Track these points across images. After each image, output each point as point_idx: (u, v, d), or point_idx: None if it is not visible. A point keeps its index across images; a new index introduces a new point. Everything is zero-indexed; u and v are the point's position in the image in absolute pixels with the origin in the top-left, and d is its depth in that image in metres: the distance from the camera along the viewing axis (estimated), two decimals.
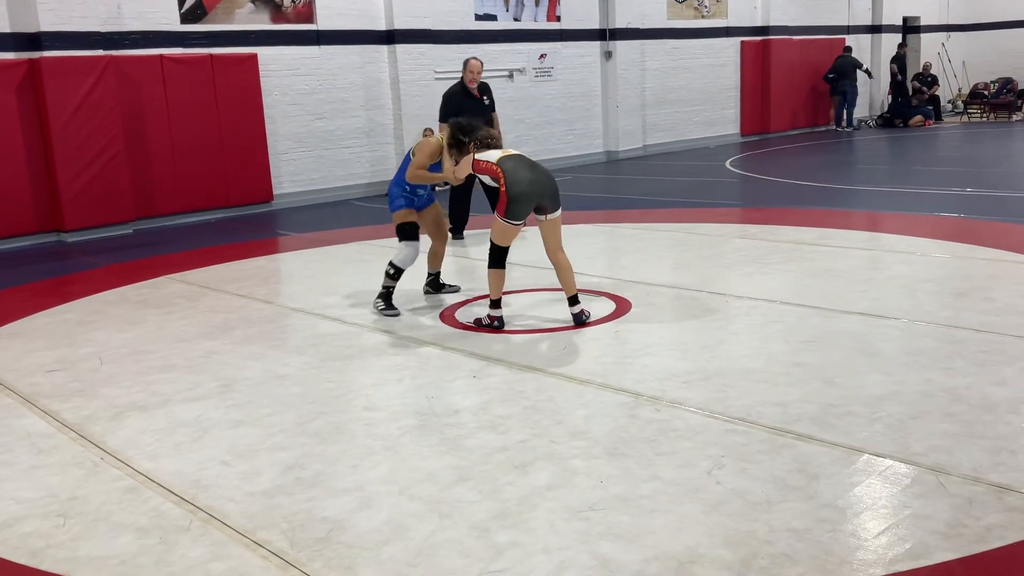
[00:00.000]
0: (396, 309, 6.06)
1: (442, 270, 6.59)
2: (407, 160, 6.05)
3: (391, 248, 8.68)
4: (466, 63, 8.80)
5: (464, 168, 5.65)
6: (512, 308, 6.04)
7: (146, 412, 4.45)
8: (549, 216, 5.54)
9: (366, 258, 8.37)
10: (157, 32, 11.10)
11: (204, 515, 3.29)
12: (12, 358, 5.55)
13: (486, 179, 5.63)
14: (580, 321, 5.53)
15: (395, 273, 6.08)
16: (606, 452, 3.63)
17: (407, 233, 6.11)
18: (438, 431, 3.98)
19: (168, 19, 11.21)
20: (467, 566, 2.83)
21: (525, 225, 5.61)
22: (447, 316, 5.99)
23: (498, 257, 5.55)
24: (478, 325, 5.65)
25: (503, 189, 5.37)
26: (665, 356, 4.87)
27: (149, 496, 3.49)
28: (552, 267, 5.65)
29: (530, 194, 5.39)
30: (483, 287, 6.65)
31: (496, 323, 5.58)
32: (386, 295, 6.11)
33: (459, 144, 5.77)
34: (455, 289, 6.56)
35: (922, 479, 3.24)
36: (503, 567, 2.81)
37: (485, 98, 8.97)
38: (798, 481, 3.28)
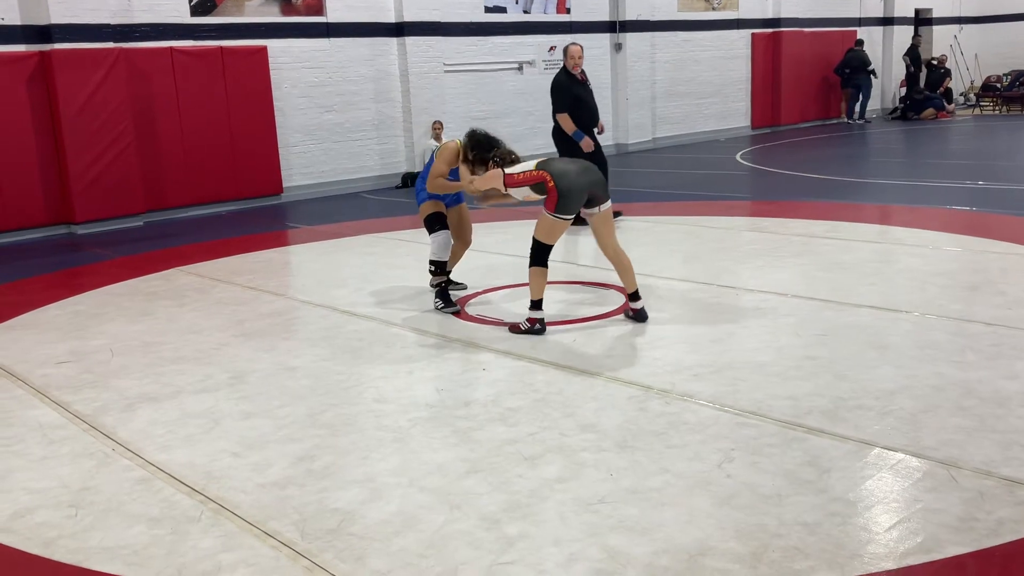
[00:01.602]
0: (455, 304, 5.95)
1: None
2: (432, 160, 5.94)
3: (401, 240, 8.73)
4: (566, 49, 8.49)
5: (488, 183, 5.39)
6: (524, 303, 6.04)
7: (157, 403, 4.47)
8: (602, 207, 5.33)
9: (376, 251, 8.38)
10: (167, 24, 11.11)
11: (215, 506, 3.30)
12: (24, 350, 5.57)
13: (522, 192, 5.28)
14: (643, 317, 5.39)
15: (437, 268, 5.96)
16: (616, 445, 3.63)
17: (435, 223, 5.93)
18: (448, 423, 3.98)
19: (178, 11, 11.23)
20: (477, 558, 2.83)
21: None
22: (442, 304, 5.98)
23: (541, 255, 5.27)
24: (516, 332, 5.32)
25: (551, 184, 5.08)
26: (675, 349, 4.86)
27: (160, 487, 3.50)
28: (608, 264, 5.51)
29: (581, 185, 5.12)
30: (493, 280, 6.66)
31: (537, 326, 5.28)
32: (441, 292, 5.99)
33: (481, 160, 5.58)
34: (462, 287, 6.50)
35: (933, 473, 3.23)
36: (513, 559, 2.82)
37: (590, 83, 8.75)
38: (809, 475, 3.27)
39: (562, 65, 8.57)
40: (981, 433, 3.54)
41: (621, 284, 5.53)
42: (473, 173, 5.64)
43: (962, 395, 3.94)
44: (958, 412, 3.76)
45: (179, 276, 7.60)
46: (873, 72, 19.46)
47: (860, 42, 19.65)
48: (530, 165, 5.29)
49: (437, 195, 5.98)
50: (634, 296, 5.43)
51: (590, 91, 8.58)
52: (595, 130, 8.51)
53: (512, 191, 5.33)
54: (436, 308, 5.97)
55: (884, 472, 3.27)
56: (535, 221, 5.31)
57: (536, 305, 5.33)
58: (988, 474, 3.19)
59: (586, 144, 8.23)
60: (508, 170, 5.33)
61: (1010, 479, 3.14)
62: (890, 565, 2.67)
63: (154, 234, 10.16)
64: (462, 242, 6.31)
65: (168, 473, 3.62)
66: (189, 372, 4.94)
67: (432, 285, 6.07)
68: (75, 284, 7.51)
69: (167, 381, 4.81)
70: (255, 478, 3.52)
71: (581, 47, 8.59)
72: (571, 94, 8.33)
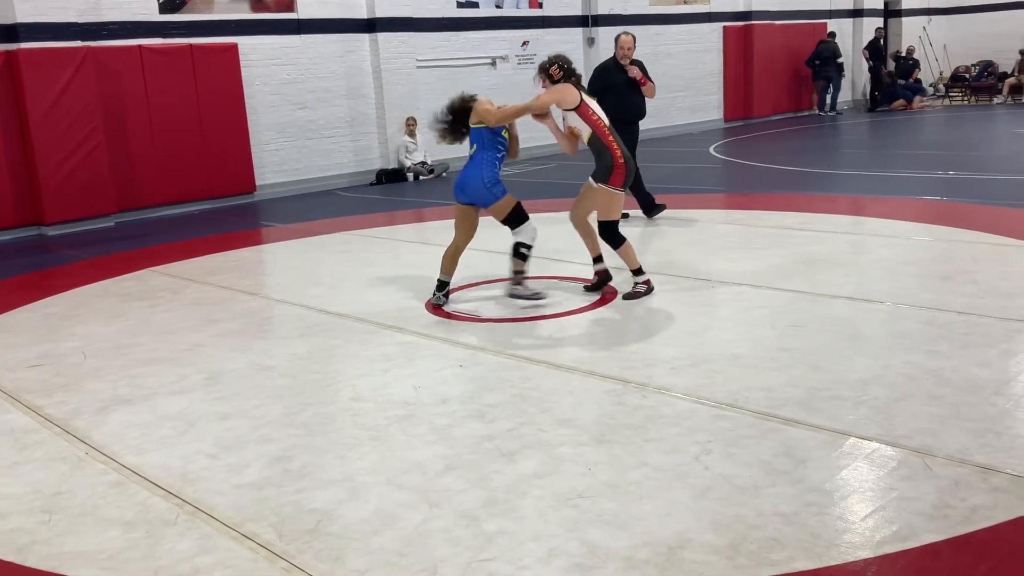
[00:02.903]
0: (540, 291, 5.93)
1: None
2: (480, 148, 5.70)
3: (376, 238, 8.70)
4: (617, 39, 8.23)
5: (558, 94, 5.60)
6: (501, 298, 6.04)
7: (131, 406, 4.42)
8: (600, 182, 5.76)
9: (351, 248, 8.34)
10: (136, 23, 10.99)
11: (191, 508, 3.28)
12: None
13: (586, 131, 5.64)
14: (607, 278, 5.86)
15: (528, 252, 5.82)
16: (594, 439, 3.64)
17: (522, 214, 5.77)
18: (426, 420, 3.97)
19: (147, 9, 11.11)
20: (456, 555, 2.83)
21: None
22: (433, 305, 5.96)
23: (615, 233, 5.71)
24: (636, 297, 5.73)
25: (618, 155, 5.58)
26: (652, 342, 4.88)
27: (135, 490, 3.47)
28: (586, 260, 5.88)
29: (632, 166, 5.70)
30: (469, 276, 6.64)
31: (647, 287, 5.76)
32: (518, 280, 5.92)
33: (568, 73, 5.74)
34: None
35: (908, 461, 3.26)
36: (492, 555, 2.81)
37: (641, 76, 8.29)
38: (785, 465, 3.29)
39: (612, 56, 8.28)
40: (954, 421, 3.57)
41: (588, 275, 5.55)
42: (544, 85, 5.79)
43: (935, 384, 3.98)
44: (931, 401, 3.79)
45: (152, 276, 7.52)
46: (841, 65, 19.61)
47: (832, 34, 19.78)
48: (601, 112, 5.73)
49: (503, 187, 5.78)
50: (598, 259, 5.91)
51: (635, 83, 8.13)
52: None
53: (581, 122, 5.63)
54: (526, 295, 5.88)
55: (859, 461, 3.30)
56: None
57: (638, 271, 5.77)
58: (962, 462, 3.22)
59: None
60: (588, 100, 5.67)
61: (983, 466, 3.18)
62: (866, 554, 2.69)
63: (126, 234, 10.06)
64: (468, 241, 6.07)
65: (143, 476, 3.59)
66: (163, 373, 4.89)
67: (516, 271, 5.91)
68: (46, 286, 7.41)
69: (141, 383, 4.76)
70: (231, 479, 3.50)
71: (633, 37, 8.20)
72: (602, 81, 8.15)
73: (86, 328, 5.97)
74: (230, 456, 3.72)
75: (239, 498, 3.33)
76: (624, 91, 8.11)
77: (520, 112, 5.69)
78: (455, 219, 5.91)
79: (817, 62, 19.41)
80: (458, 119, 5.82)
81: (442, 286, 5.91)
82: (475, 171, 5.68)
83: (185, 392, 4.57)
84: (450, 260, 5.91)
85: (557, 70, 5.69)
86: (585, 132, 5.68)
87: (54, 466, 3.75)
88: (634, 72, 7.99)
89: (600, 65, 8.47)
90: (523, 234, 5.76)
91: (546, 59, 5.86)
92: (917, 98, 19.77)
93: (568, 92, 5.61)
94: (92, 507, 3.35)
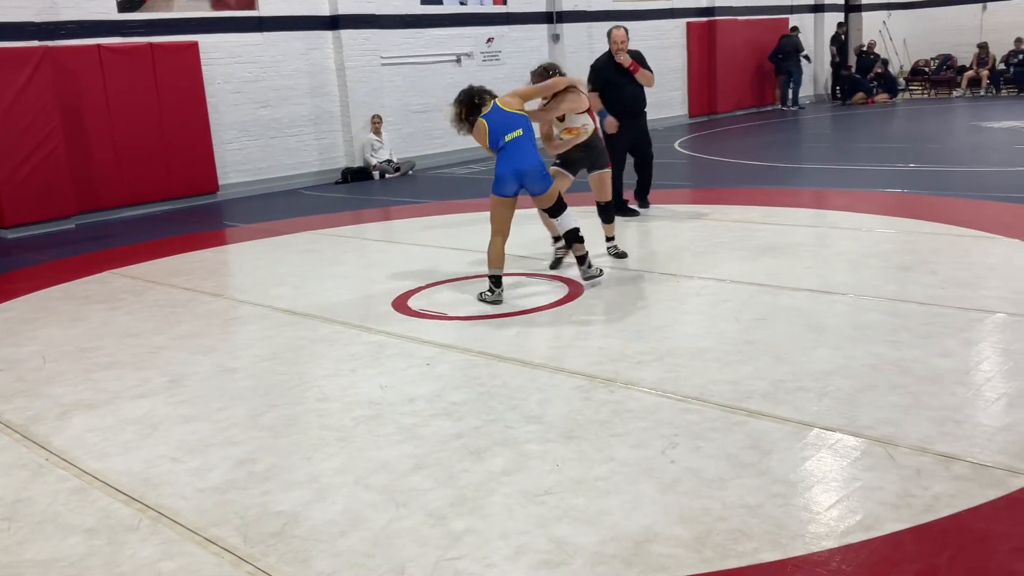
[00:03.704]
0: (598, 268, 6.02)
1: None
2: (526, 133, 5.67)
3: (342, 237, 8.64)
4: (609, 34, 8.24)
5: (582, 99, 6.16)
6: (468, 296, 6.03)
7: (92, 410, 4.35)
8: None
9: (316, 248, 8.27)
10: (94, 22, 10.83)
11: (154, 513, 3.23)
12: None
13: (583, 124, 6.31)
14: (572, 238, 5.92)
15: (579, 236, 5.87)
16: (561, 435, 3.64)
17: (562, 202, 5.87)
18: (393, 420, 3.95)
19: (105, 8, 10.95)
20: (423, 554, 2.81)
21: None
22: (399, 304, 5.94)
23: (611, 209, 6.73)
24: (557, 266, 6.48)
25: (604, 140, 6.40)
26: (618, 338, 4.89)
27: (97, 496, 3.41)
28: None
29: None
30: (435, 274, 6.62)
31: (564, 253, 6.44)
32: (586, 257, 5.92)
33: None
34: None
35: (871, 451, 3.29)
36: (460, 554, 2.80)
37: (634, 67, 8.30)
38: (750, 457, 3.31)
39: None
40: (916, 410, 3.62)
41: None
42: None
43: (897, 374, 4.02)
44: (893, 391, 3.84)
45: (113, 279, 7.42)
46: (807, 57, 19.79)
47: (795, 29, 19.96)
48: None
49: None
50: (557, 239, 6.43)
51: (633, 78, 8.17)
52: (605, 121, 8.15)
53: (586, 120, 6.32)
54: (595, 275, 5.92)
55: (823, 452, 3.33)
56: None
57: (558, 239, 6.50)
58: (924, 451, 3.26)
59: (609, 123, 8.08)
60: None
61: (945, 455, 3.22)
62: (831, 544, 2.71)
63: (86, 236, 9.91)
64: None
65: (105, 482, 3.53)
66: (125, 377, 4.83)
67: (580, 256, 5.91)
68: (5, 289, 7.28)
69: (102, 387, 4.69)
70: (195, 483, 3.46)
71: (625, 31, 8.18)
72: (601, 76, 8.18)
73: (46, 332, 5.87)
74: (194, 460, 3.68)
75: (203, 502, 3.29)
76: (621, 85, 8.10)
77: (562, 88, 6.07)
78: (501, 215, 5.71)
79: (780, 56, 19.58)
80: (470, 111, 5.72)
81: (499, 281, 5.78)
82: (534, 157, 5.66)
83: (147, 396, 4.51)
84: (502, 255, 5.75)
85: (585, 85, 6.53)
86: (588, 129, 6.29)
87: (14, 473, 3.69)
88: (622, 58, 7.99)
89: (595, 62, 8.47)
90: (571, 218, 5.88)
91: (547, 65, 6.28)
92: (859, 94, 20.03)
93: (585, 98, 6.25)
94: (53, 514, 3.29)
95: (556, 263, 6.53)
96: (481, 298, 5.74)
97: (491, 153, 5.73)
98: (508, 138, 5.62)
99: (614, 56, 8.10)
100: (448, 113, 5.86)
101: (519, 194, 5.71)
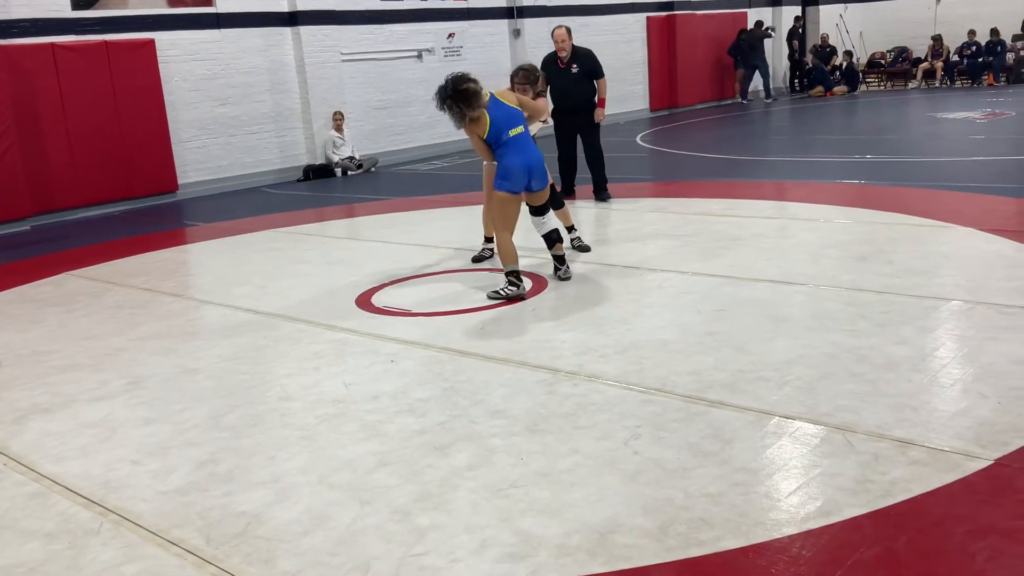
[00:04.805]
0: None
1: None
2: (526, 130, 5.75)
3: (306, 235, 8.58)
4: (552, 33, 8.48)
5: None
6: (432, 292, 6.02)
7: (50, 414, 4.29)
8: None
9: (279, 246, 8.21)
10: (47, 19, 10.64)
11: (115, 517, 3.19)
12: None
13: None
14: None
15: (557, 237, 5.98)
16: (526, 429, 3.65)
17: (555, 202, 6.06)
18: (357, 418, 3.93)
19: (58, 5, 10.76)
20: (389, 551, 2.81)
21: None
22: (363, 301, 5.92)
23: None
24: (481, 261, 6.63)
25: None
26: (581, 331, 4.91)
27: (56, 500, 3.36)
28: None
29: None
30: (399, 270, 6.61)
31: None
32: (564, 258, 6.04)
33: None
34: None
35: (830, 438, 3.34)
36: (425, 549, 2.80)
37: (574, 66, 8.53)
38: (712, 447, 3.34)
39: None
40: (873, 398, 3.67)
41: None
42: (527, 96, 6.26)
43: (855, 362, 4.08)
44: (851, 379, 3.89)
45: (70, 281, 7.30)
46: (772, 30, 20.03)
47: (760, 24, 20.14)
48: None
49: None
50: (489, 239, 6.53)
51: (572, 75, 8.48)
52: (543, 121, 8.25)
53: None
54: (565, 274, 6.01)
55: (784, 440, 3.37)
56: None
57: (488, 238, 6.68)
58: (881, 436, 3.32)
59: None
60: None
61: (902, 440, 3.27)
62: (792, 530, 2.75)
63: (42, 238, 9.75)
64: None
65: (64, 486, 3.48)
66: (83, 380, 4.76)
67: (558, 256, 5.98)
68: None
69: (60, 390, 4.62)
70: (156, 485, 3.42)
71: (565, 30, 8.45)
72: (546, 74, 8.29)
73: (2, 336, 5.77)
74: (154, 462, 3.64)
75: (164, 504, 3.26)
76: (556, 82, 8.34)
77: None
78: (509, 212, 5.67)
79: (748, 49, 19.71)
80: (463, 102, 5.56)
81: (519, 275, 5.71)
82: (537, 152, 5.75)
83: (106, 398, 4.45)
84: (514, 249, 5.69)
85: (543, 82, 6.34)
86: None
87: None
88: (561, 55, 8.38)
89: (543, 60, 8.71)
90: (553, 220, 6.00)
91: (528, 67, 6.40)
92: (818, 87, 20.34)
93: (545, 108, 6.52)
94: (11, 519, 3.24)
95: (479, 259, 6.72)
96: (499, 295, 5.64)
97: (482, 147, 5.71)
98: (512, 133, 5.63)
99: (557, 54, 8.47)
100: (443, 102, 5.53)
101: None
